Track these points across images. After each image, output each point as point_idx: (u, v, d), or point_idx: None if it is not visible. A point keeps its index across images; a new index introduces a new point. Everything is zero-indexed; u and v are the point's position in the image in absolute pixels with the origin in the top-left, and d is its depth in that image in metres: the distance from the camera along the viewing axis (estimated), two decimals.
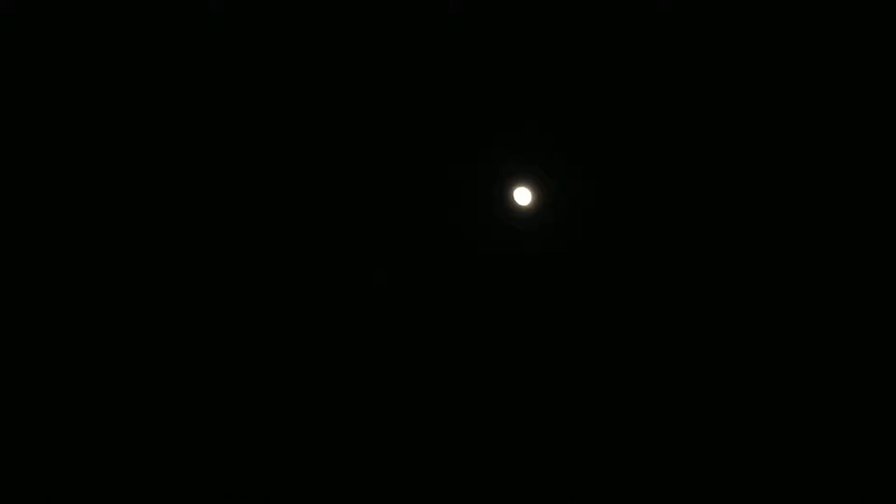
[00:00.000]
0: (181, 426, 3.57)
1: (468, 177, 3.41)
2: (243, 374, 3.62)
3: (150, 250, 3.45)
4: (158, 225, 3.43)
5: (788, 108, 3.21)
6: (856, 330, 3.42)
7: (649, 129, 3.30)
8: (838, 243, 3.34)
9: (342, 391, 3.67)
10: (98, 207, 3.38)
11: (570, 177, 3.40)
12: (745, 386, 3.54)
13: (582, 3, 3.07)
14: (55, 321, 3.44)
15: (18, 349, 3.42)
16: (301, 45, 3.20)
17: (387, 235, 3.50)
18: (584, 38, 3.13)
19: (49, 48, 3.12)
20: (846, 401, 3.46)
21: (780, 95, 3.20)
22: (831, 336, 3.44)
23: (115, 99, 3.25)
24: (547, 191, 3.36)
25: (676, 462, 3.62)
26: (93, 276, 3.43)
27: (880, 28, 3.01)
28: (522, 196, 3.39)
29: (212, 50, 3.19)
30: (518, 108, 3.29)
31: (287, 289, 3.55)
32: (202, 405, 3.62)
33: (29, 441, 3.44)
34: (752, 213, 3.37)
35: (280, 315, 3.57)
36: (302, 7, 3.12)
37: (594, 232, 3.48)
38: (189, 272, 3.51)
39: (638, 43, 3.12)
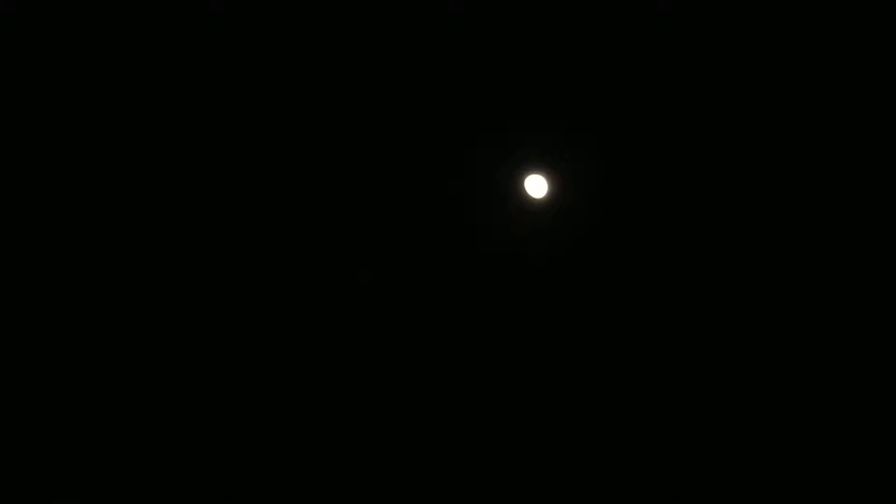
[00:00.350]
0: (168, 424, 3.58)
1: (475, 171, 3.39)
2: (253, 374, 3.62)
3: (146, 248, 3.46)
4: (156, 224, 3.43)
5: (794, 105, 3.20)
6: (863, 333, 3.41)
7: (652, 126, 3.30)
8: (866, 237, 3.33)
9: (350, 391, 3.67)
10: (97, 207, 3.38)
11: (577, 170, 3.35)
12: (772, 384, 3.52)
13: (583, 2, 3.07)
14: (55, 321, 3.44)
15: (18, 349, 3.42)
16: (301, 45, 3.20)
17: (392, 231, 3.49)
18: (585, 38, 3.13)
19: (49, 48, 3.12)
20: (847, 402, 3.46)
21: (786, 90, 3.19)
22: (848, 337, 3.43)
23: (115, 99, 3.25)
24: (560, 182, 3.31)
25: (688, 461, 3.60)
26: (88, 275, 3.43)
27: (880, 28, 3.01)
28: (535, 187, 3.33)
29: (212, 50, 3.18)
30: (517, 106, 3.29)
31: (293, 285, 3.55)
32: (197, 403, 3.62)
33: (29, 441, 3.44)
34: (763, 209, 3.36)
35: (285, 313, 3.57)
36: (302, 7, 3.11)
37: (611, 226, 3.44)
38: (193, 272, 3.51)
39: (637, 41, 3.11)
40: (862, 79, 3.11)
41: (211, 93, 3.28)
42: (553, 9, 3.05)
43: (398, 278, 3.56)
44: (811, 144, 3.26)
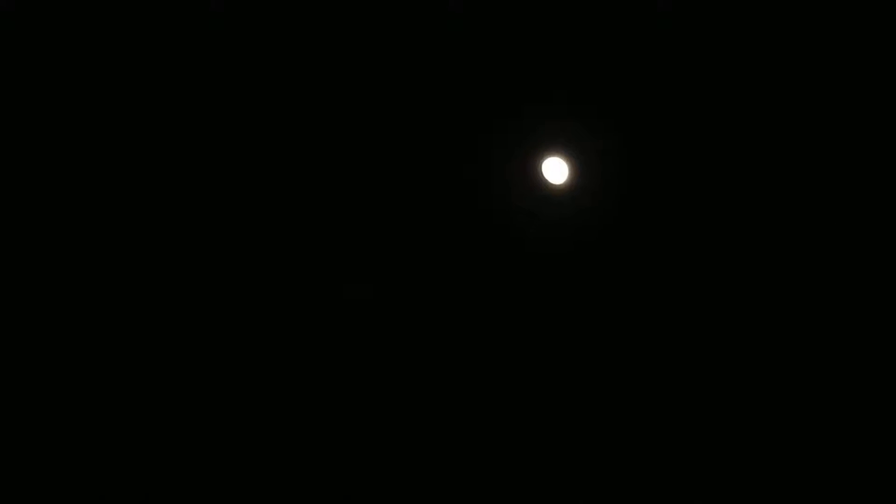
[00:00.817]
0: (164, 425, 3.57)
1: (488, 161, 3.34)
2: (268, 371, 3.61)
3: (147, 249, 3.45)
4: (157, 224, 3.43)
5: (796, 101, 3.19)
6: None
7: (652, 125, 3.29)
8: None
9: (360, 386, 3.66)
10: (96, 206, 3.38)
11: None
12: (805, 377, 3.45)
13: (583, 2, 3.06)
14: (53, 321, 3.44)
15: (18, 349, 3.42)
16: (301, 45, 3.20)
17: (407, 223, 3.48)
18: (586, 38, 3.13)
19: (49, 48, 3.12)
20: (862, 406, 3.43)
21: (788, 88, 3.17)
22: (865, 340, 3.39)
23: (115, 99, 3.25)
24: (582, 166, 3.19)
25: (705, 459, 3.57)
26: (85, 273, 3.43)
27: (880, 28, 3.01)
28: (554, 171, 3.20)
29: (212, 50, 3.18)
30: (515, 105, 3.28)
31: (306, 277, 3.55)
32: (203, 404, 3.62)
33: (29, 441, 3.43)
34: (772, 203, 3.31)
35: (297, 305, 3.57)
36: (302, 7, 3.11)
37: (635, 214, 3.36)
38: (200, 271, 3.51)
39: (637, 41, 3.11)
40: (862, 77, 3.12)
41: (211, 93, 3.28)
42: (553, 8, 3.05)
43: (412, 270, 3.52)
44: (815, 143, 3.25)
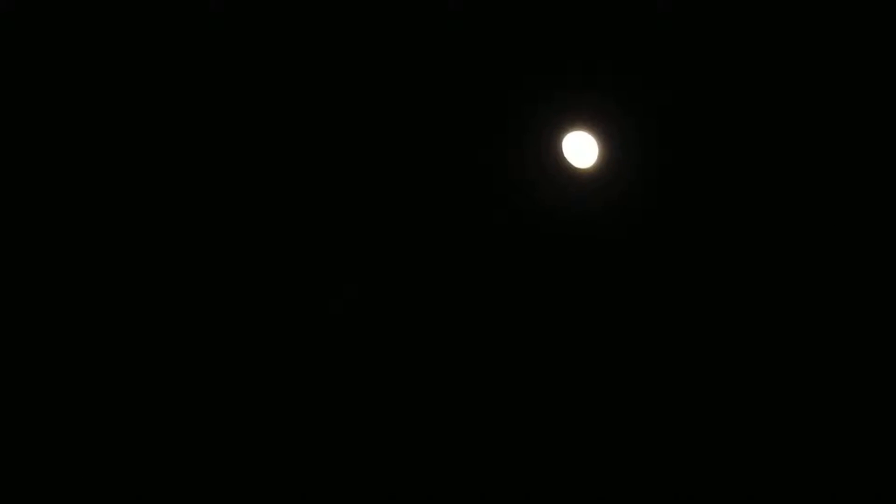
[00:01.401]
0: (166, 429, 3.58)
1: (502, 147, 3.26)
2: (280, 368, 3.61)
3: (149, 250, 3.46)
4: (155, 225, 3.43)
5: (798, 103, 3.16)
6: None
7: (651, 128, 3.28)
8: None
9: (372, 389, 3.66)
10: (96, 206, 3.38)
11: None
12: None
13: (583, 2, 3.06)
14: (54, 321, 3.44)
15: (18, 349, 3.43)
16: (301, 45, 3.20)
17: (412, 218, 3.47)
18: (586, 37, 3.12)
19: (49, 48, 3.12)
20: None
21: (788, 88, 3.15)
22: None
23: (115, 99, 3.25)
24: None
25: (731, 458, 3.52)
26: (87, 275, 3.43)
27: (880, 28, 3.01)
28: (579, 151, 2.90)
29: (212, 50, 3.19)
30: (514, 106, 3.28)
31: (320, 271, 3.55)
32: (205, 404, 3.62)
33: (29, 441, 3.44)
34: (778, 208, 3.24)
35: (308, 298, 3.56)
36: (302, 7, 3.12)
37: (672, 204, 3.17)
38: (202, 269, 3.52)
39: (637, 41, 3.11)
40: (862, 78, 3.11)
41: (211, 93, 3.28)
42: (553, 7, 3.05)
43: (425, 265, 3.48)
44: (817, 145, 3.23)
